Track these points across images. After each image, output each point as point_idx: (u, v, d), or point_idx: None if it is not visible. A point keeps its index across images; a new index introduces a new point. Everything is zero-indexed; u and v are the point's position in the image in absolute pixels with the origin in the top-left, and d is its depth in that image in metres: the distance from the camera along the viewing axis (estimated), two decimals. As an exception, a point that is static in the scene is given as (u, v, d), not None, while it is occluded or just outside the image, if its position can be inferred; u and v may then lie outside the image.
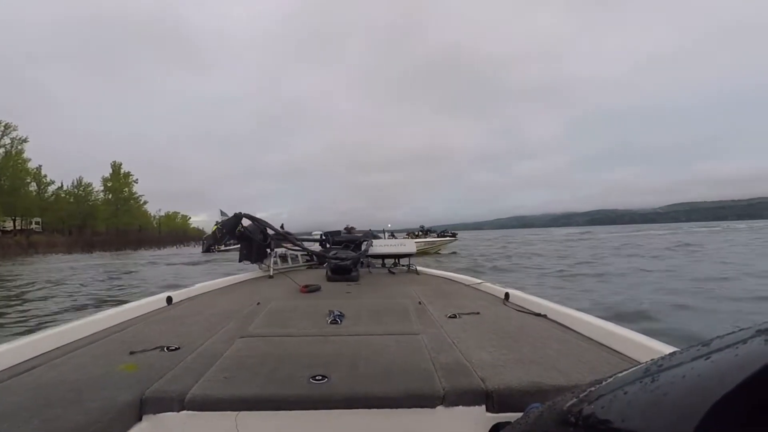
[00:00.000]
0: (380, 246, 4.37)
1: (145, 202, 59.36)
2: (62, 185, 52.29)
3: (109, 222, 54.64)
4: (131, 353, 1.41)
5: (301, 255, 4.64)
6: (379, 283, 3.37)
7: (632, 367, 0.36)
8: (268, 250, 3.87)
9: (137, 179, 56.38)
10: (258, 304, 2.35)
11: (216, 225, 3.72)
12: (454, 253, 22.54)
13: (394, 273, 4.06)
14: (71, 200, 52.52)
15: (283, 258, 4.37)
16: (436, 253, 22.15)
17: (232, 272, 4.07)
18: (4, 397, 1.05)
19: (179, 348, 1.47)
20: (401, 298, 2.53)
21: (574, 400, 0.36)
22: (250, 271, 3.87)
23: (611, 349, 1.42)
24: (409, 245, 4.40)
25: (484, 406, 1.07)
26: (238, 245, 3.75)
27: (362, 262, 4.13)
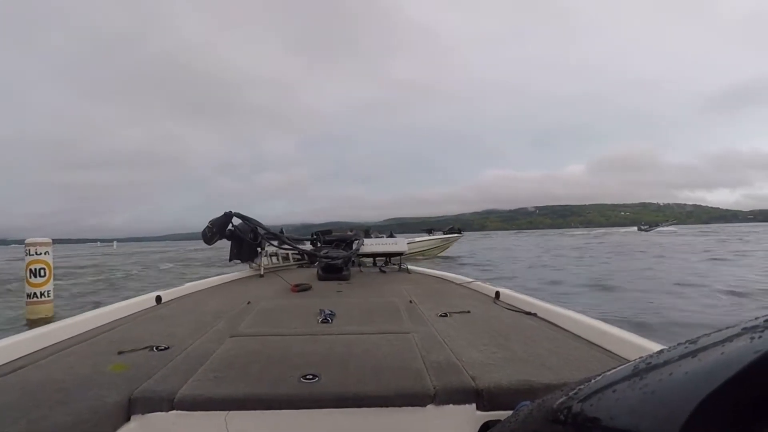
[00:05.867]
0: (372, 245, 4.38)
1: None
2: None
3: None
4: (120, 353, 1.38)
5: (292, 254, 4.55)
6: (371, 282, 3.35)
7: (621, 365, 0.36)
8: (259, 249, 3.85)
9: None
10: (248, 303, 2.31)
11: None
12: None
13: (385, 272, 4.06)
14: None
15: (274, 257, 4.29)
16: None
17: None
18: None
19: (168, 347, 1.45)
20: (392, 297, 2.50)
21: (564, 398, 0.36)
22: (241, 270, 3.78)
23: (600, 347, 1.42)
24: (401, 244, 4.43)
25: (474, 405, 1.07)
26: None
27: (353, 261, 4.14)
